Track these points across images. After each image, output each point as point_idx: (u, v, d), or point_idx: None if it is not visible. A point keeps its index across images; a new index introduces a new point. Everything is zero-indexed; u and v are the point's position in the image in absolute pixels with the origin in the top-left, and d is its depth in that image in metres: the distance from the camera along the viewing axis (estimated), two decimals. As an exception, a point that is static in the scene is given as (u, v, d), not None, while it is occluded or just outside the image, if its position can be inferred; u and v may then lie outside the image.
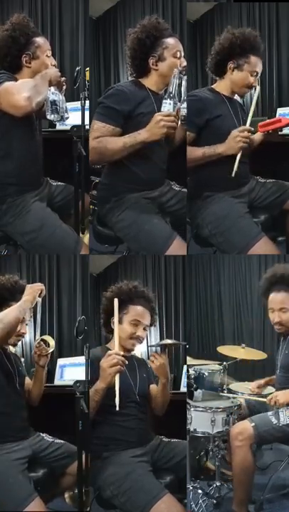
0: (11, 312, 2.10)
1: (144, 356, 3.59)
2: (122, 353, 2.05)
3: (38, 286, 2.21)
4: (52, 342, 2.43)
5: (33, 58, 2.30)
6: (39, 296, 2.21)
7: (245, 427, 2.29)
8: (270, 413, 2.36)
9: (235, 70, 2.41)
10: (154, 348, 3.45)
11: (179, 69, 2.31)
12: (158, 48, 2.32)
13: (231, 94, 2.48)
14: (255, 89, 2.43)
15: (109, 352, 2.05)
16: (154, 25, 2.34)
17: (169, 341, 2.34)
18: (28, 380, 2.40)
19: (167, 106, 2.18)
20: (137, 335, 2.25)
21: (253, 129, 2.39)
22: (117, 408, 1.99)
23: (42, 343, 2.41)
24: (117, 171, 2.38)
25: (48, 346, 2.41)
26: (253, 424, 2.29)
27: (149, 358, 2.32)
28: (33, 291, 2.18)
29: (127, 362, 2.05)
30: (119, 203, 2.37)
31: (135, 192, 2.38)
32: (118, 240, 2.48)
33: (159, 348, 2.24)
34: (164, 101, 2.20)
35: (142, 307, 2.29)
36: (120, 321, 2.23)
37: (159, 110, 2.27)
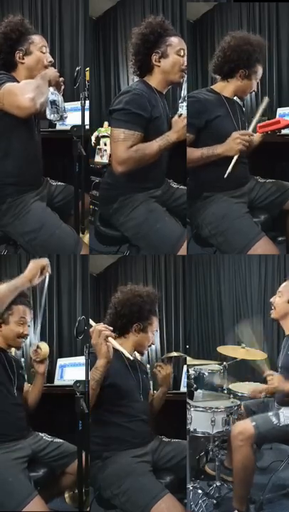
0: None
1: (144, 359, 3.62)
2: (102, 323, 2.08)
3: (41, 263, 2.15)
4: (44, 347, 2.42)
5: (26, 54, 2.30)
6: (41, 274, 2.15)
7: (246, 427, 2.30)
8: (270, 413, 2.37)
9: (245, 79, 2.42)
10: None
11: (183, 68, 2.33)
12: (161, 44, 2.33)
13: (231, 95, 2.48)
14: (263, 98, 2.48)
15: (91, 329, 2.07)
16: (160, 23, 2.35)
17: (175, 353, 2.42)
18: (26, 387, 2.41)
19: (185, 108, 2.28)
20: (152, 343, 2.33)
21: (254, 134, 2.41)
22: (131, 358, 2.07)
23: (37, 349, 2.42)
24: None
25: (41, 351, 2.41)
26: (254, 423, 2.30)
27: (154, 367, 2.44)
28: (34, 268, 2.13)
29: (111, 328, 2.07)
30: (127, 202, 2.38)
31: (141, 191, 2.39)
32: (122, 240, 2.48)
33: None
34: (180, 104, 2.28)
35: (158, 317, 2.35)
36: (144, 330, 2.28)
37: (166, 112, 2.35)
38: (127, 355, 2.05)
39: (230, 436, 2.37)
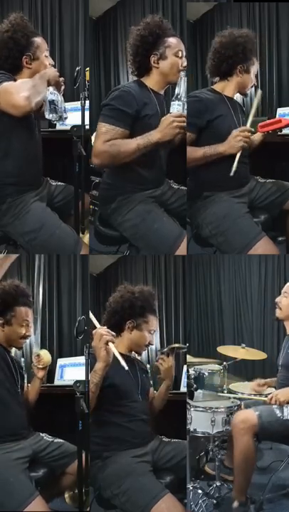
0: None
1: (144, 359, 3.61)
2: (105, 327, 2.07)
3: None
4: (46, 356, 2.52)
5: (33, 59, 2.30)
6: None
7: (249, 415, 2.30)
8: (274, 406, 2.35)
9: (244, 73, 2.43)
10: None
11: (181, 68, 2.32)
12: (160, 46, 2.33)
13: (232, 94, 2.48)
14: (256, 90, 2.47)
15: (94, 331, 2.06)
16: (158, 23, 2.34)
17: (176, 344, 2.45)
18: (26, 386, 2.45)
19: (176, 107, 2.21)
20: (150, 343, 2.33)
21: (253, 129, 2.40)
22: (126, 368, 2.01)
23: (38, 357, 2.52)
24: (120, 171, 2.37)
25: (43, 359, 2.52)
26: (258, 412, 2.30)
27: (156, 361, 2.43)
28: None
29: (113, 333, 2.06)
30: (126, 202, 2.37)
31: (139, 191, 2.39)
32: (121, 240, 2.48)
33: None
34: (172, 102, 2.22)
35: (156, 316, 2.35)
36: (139, 328, 2.28)
37: (162, 111, 2.32)
38: (123, 364, 2.01)
39: (230, 435, 2.37)
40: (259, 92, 2.49)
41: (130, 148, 2.23)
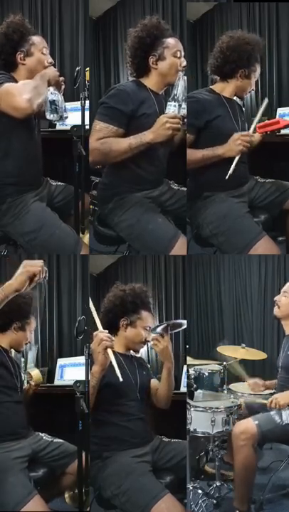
0: None
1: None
2: (106, 331, 2.08)
3: (32, 270, 1.75)
4: (36, 377, 2.69)
5: (27, 55, 2.30)
6: (33, 281, 1.75)
7: (248, 426, 2.29)
8: (272, 412, 2.36)
9: (244, 78, 2.42)
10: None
11: (179, 68, 2.31)
12: (158, 47, 2.32)
13: (231, 95, 2.48)
14: (263, 99, 2.48)
15: (94, 333, 2.07)
16: (155, 24, 2.34)
17: (171, 321, 2.39)
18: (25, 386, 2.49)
19: (172, 108, 2.19)
20: (147, 340, 2.31)
21: (254, 135, 2.40)
22: (120, 379, 2.03)
23: (29, 375, 2.65)
24: (118, 171, 2.38)
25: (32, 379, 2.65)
26: (257, 422, 2.29)
27: (151, 341, 2.34)
28: (25, 273, 1.75)
29: (113, 338, 2.07)
30: (122, 202, 2.37)
31: (137, 191, 2.39)
32: (119, 240, 2.48)
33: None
34: (168, 103, 2.21)
35: (151, 313, 2.35)
36: (133, 325, 2.28)
37: (160, 111, 2.30)
38: (118, 374, 2.02)
39: (231, 435, 2.36)
40: (266, 100, 2.46)
41: (121, 147, 2.23)
